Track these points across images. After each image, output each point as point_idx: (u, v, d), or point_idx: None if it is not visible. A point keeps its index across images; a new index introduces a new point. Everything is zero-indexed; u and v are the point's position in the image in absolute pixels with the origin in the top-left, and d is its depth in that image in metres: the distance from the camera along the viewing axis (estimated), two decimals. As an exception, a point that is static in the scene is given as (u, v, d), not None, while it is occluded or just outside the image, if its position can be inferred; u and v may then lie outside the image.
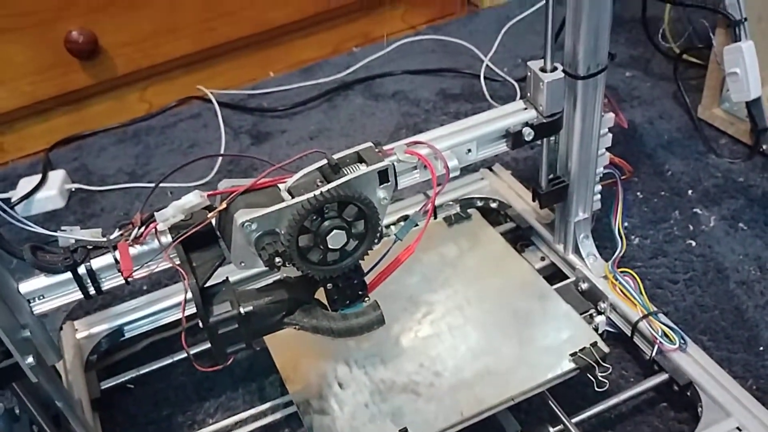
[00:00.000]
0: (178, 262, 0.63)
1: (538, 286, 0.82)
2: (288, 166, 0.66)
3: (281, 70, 1.50)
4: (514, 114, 0.77)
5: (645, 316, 0.81)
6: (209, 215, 0.62)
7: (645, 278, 0.96)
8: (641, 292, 0.84)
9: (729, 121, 1.15)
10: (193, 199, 0.61)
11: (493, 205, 1.01)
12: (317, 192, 0.60)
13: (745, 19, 1.04)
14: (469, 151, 0.75)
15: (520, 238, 0.98)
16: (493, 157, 1.13)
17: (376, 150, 0.66)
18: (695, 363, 0.78)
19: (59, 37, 1.28)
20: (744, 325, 0.89)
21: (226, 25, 1.40)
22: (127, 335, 0.91)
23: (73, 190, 1.26)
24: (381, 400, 0.72)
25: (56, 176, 1.26)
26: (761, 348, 0.86)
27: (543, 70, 0.75)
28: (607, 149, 0.86)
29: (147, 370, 0.87)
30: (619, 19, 1.47)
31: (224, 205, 0.61)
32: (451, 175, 0.73)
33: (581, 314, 0.84)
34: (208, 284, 0.64)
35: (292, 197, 0.61)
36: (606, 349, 0.74)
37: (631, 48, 1.39)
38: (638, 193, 1.08)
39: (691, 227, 1.02)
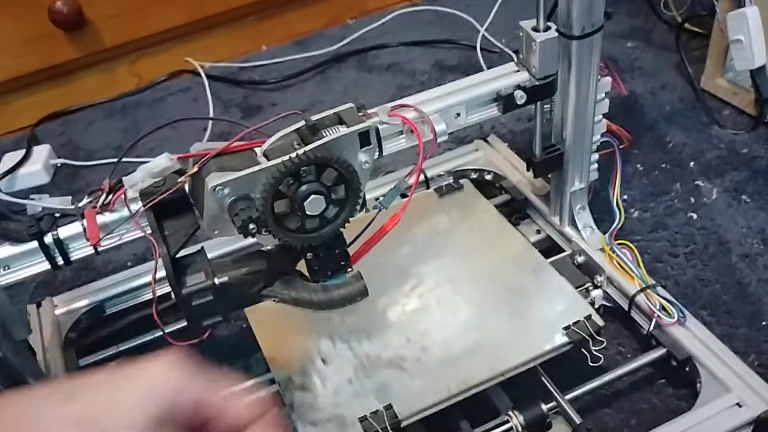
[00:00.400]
0: (148, 231, 0.60)
1: (532, 259, 0.79)
2: (268, 130, 0.63)
3: (274, 42, 1.46)
4: (506, 76, 0.73)
5: (643, 289, 0.78)
6: (180, 179, 0.59)
7: (644, 252, 0.93)
8: (639, 265, 0.81)
9: (733, 92, 1.12)
10: (162, 162, 0.58)
11: (488, 176, 0.98)
12: (293, 154, 0.56)
13: (750, -17, 1.00)
14: (458, 115, 0.72)
15: (516, 210, 0.95)
16: (490, 129, 1.11)
17: (358, 112, 0.62)
18: (694, 337, 0.74)
19: (43, 7, 1.25)
20: (746, 300, 0.86)
21: (213, -5, 1.37)
22: (109, 311, 0.88)
23: (59, 165, 1.23)
24: (365, 375, 0.69)
25: (41, 151, 1.23)
26: (764, 323, 0.83)
27: (536, 29, 0.71)
28: (607, 119, 0.82)
29: (127, 346, 0.84)
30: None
31: (195, 168, 0.58)
32: (439, 140, 0.69)
33: (577, 288, 0.81)
34: (182, 254, 0.61)
35: (268, 160, 0.58)
36: (601, 323, 0.71)
37: (633, 18, 1.34)
38: (638, 166, 1.05)
39: (693, 200, 0.99)
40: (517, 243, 0.81)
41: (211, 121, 1.23)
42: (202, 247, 0.62)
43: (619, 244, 0.83)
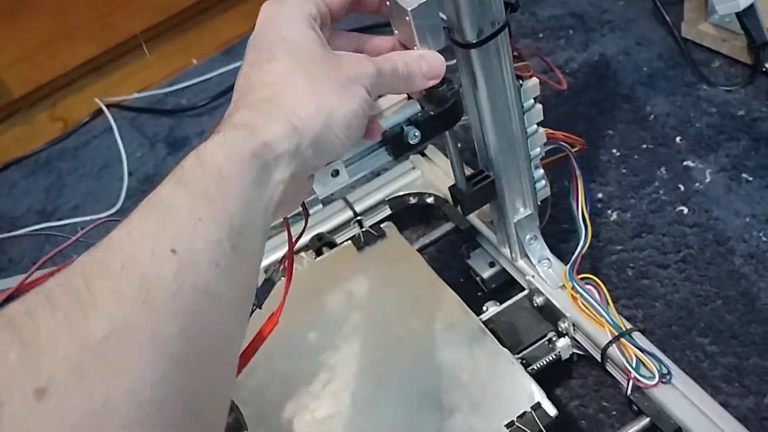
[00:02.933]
0: None
1: (467, 326, 0.63)
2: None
3: (206, 54, 1.30)
4: (388, 109, 0.56)
5: (615, 339, 0.62)
6: None
7: (627, 266, 0.76)
8: (609, 304, 0.65)
9: (721, 38, 0.92)
10: None
11: (429, 200, 0.82)
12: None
13: None
14: (337, 172, 0.55)
15: (468, 237, 0.79)
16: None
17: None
18: (683, 400, 0.58)
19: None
20: (757, 317, 0.69)
21: (125, 18, 1.21)
22: None
23: (-23, 243, 1.11)
24: None
25: (-45, 230, 1.11)
26: (780, 348, 0.66)
27: None
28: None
29: None
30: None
31: None
32: (313, 211, 0.54)
33: (538, 340, 0.66)
34: None
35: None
36: (553, 412, 0.55)
37: (598, -40, 1.14)
38: (614, 151, 0.87)
39: (682, 187, 0.81)
40: (451, 306, 0.65)
41: (127, 174, 1.09)
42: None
43: (583, 278, 0.66)
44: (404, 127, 0.55)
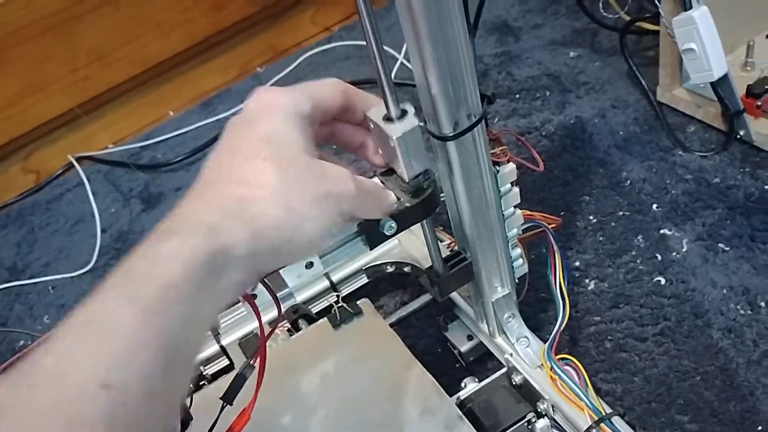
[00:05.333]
0: None
1: (443, 411, 0.62)
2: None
3: (182, 106, 1.30)
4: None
5: (595, 424, 0.61)
6: None
7: (606, 338, 0.76)
8: (587, 385, 0.64)
9: (695, 104, 0.93)
10: None
11: (407, 269, 0.81)
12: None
13: (693, -20, 0.82)
14: (311, 264, 0.55)
15: (446, 308, 0.79)
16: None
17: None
18: (665, 490, 0.58)
19: None
20: (735, 394, 0.69)
21: (100, 70, 1.20)
22: None
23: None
24: None
25: None
26: (759, 428, 0.66)
27: (388, 118, 0.52)
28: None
29: None
30: (557, -16, 1.23)
31: None
32: (284, 305, 0.53)
33: (517, 422, 0.65)
34: None
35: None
36: None
37: (574, 20, 1.15)
38: (590, 217, 0.87)
39: (659, 257, 0.81)
40: (426, 389, 0.64)
41: (99, 231, 1.07)
42: None
43: (561, 359, 0.66)
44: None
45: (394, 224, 0.54)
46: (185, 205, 0.42)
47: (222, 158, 0.44)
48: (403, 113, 0.52)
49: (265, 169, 0.42)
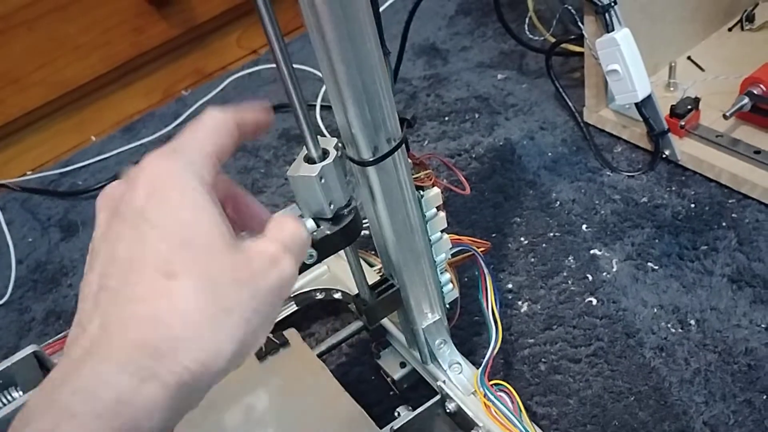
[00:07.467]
0: None
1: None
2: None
3: (104, 131, 1.25)
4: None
5: (530, 451, 0.60)
6: None
7: (540, 360, 0.75)
8: (521, 411, 0.63)
9: (621, 124, 0.94)
10: None
11: (337, 296, 0.79)
12: None
13: (615, 2, 0.83)
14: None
15: (379, 335, 0.76)
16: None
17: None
18: None
19: None
20: (669, 413, 0.68)
21: (15, 95, 1.15)
22: None
23: None
24: None
25: None
26: (694, 447, 0.66)
27: (309, 159, 0.51)
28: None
29: None
30: (484, 6, 1.24)
31: None
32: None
33: (452, 450, 0.63)
34: None
35: None
36: None
37: (501, 42, 1.16)
38: (522, 239, 0.86)
39: (590, 277, 0.81)
40: (356, 421, 0.61)
41: (15, 262, 1.02)
42: None
43: (495, 384, 0.64)
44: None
45: (314, 252, 0.51)
46: (81, 363, 0.32)
47: (110, 272, 0.34)
48: (324, 153, 0.50)
49: (179, 291, 0.33)
